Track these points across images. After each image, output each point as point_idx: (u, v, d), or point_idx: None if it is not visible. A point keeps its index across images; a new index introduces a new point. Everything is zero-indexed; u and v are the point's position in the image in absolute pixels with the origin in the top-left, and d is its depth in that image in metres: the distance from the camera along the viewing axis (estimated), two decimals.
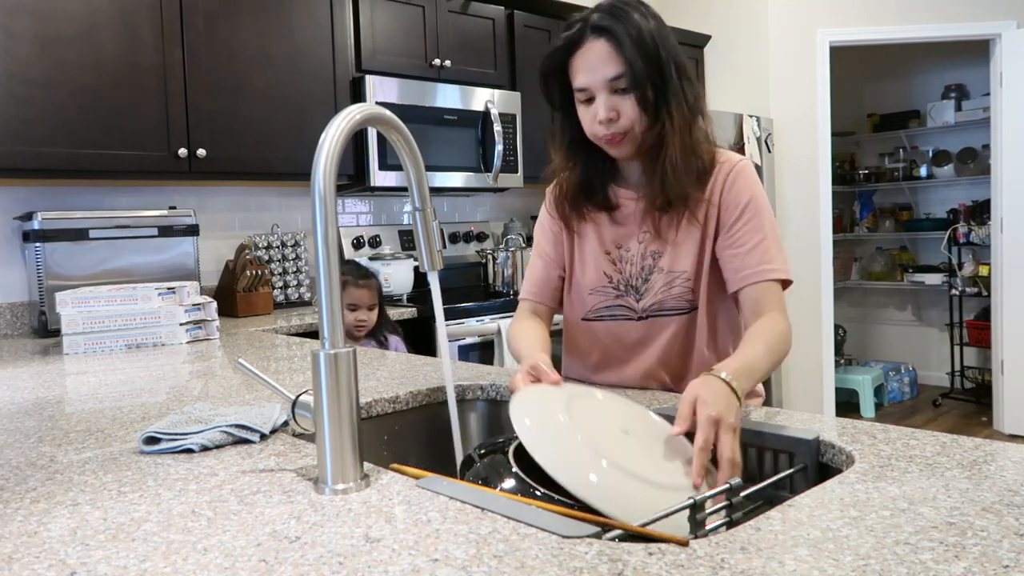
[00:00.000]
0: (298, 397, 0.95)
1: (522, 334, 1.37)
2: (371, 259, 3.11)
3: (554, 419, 0.89)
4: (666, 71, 1.22)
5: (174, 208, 2.69)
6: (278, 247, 3.05)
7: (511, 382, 1.08)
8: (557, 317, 1.51)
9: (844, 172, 5.79)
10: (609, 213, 1.37)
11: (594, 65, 1.22)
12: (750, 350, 1.14)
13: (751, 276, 1.25)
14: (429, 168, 3.13)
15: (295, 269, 3.09)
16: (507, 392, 1.35)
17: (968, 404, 5.05)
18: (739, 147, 3.94)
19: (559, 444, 0.86)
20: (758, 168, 4.06)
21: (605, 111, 1.22)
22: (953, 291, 5.06)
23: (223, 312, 2.79)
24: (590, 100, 1.24)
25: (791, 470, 0.94)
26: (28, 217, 2.45)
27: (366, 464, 0.87)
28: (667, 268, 1.32)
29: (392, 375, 1.49)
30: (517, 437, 0.92)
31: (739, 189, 1.29)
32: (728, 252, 1.28)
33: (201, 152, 2.62)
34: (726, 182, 1.29)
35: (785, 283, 1.28)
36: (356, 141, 3.00)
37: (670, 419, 1.10)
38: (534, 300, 1.45)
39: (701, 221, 1.30)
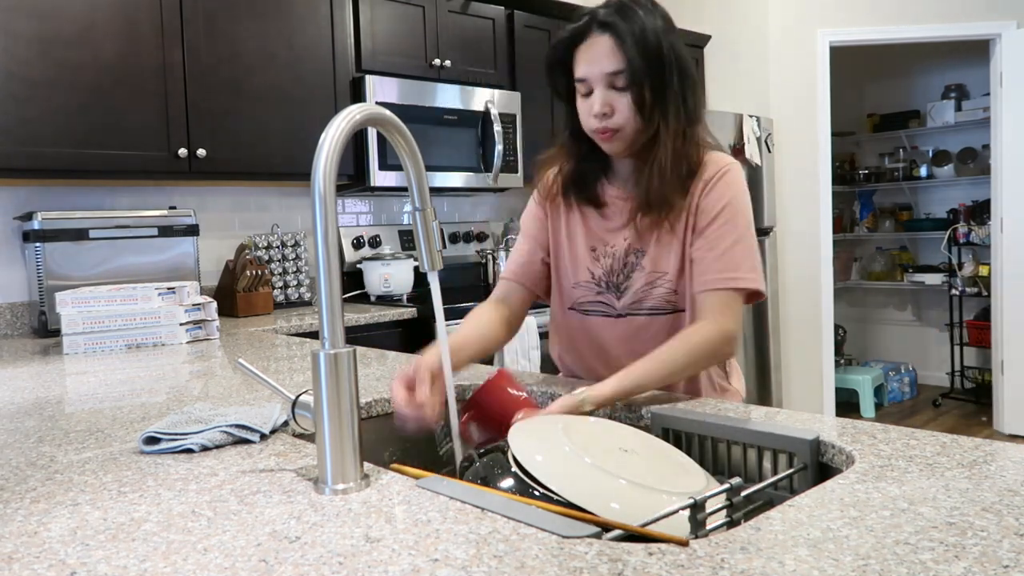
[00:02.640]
0: (298, 397, 0.95)
1: (465, 322, 1.37)
2: (371, 259, 3.12)
3: (561, 451, 0.89)
4: (666, 73, 1.22)
5: (174, 208, 2.69)
6: (278, 247, 3.05)
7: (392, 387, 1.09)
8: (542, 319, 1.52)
9: (844, 172, 5.79)
10: (597, 209, 1.37)
11: (595, 58, 1.23)
12: (637, 370, 1.16)
13: (712, 283, 1.24)
14: (429, 168, 3.13)
15: (295, 269, 3.09)
16: None
17: (968, 404, 5.05)
18: (739, 147, 3.94)
19: (574, 473, 0.85)
20: (758, 168, 4.06)
21: (600, 105, 1.23)
22: (953, 291, 5.06)
23: (223, 312, 2.79)
24: (589, 93, 1.25)
25: (791, 470, 0.94)
26: (28, 217, 2.45)
27: (366, 464, 0.87)
28: (649, 268, 1.32)
29: (392, 375, 1.49)
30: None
31: (719, 193, 1.28)
32: (697, 255, 1.28)
33: (201, 152, 2.62)
34: (707, 186, 1.29)
35: (752, 295, 1.26)
36: (356, 141, 3.00)
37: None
38: (513, 279, 1.44)
39: (684, 226, 1.30)
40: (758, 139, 4.05)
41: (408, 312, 2.81)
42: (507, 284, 1.45)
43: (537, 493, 0.83)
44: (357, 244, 3.32)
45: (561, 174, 1.39)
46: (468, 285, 3.69)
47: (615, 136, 1.25)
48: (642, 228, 1.32)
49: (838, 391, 4.54)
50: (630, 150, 1.28)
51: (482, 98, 3.33)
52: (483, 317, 1.40)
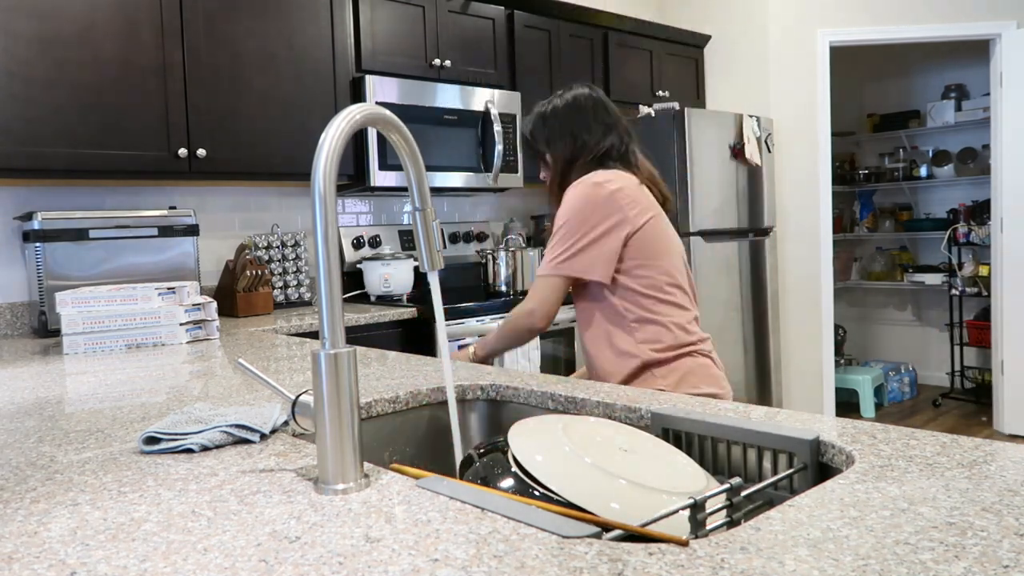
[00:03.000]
0: (298, 397, 0.95)
1: None
2: (371, 259, 3.12)
3: (561, 451, 0.89)
4: (548, 138, 1.79)
5: (174, 208, 2.69)
6: (278, 247, 3.05)
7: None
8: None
9: (844, 172, 5.79)
10: None
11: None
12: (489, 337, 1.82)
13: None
14: (429, 168, 3.13)
15: (295, 269, 3.09)
16: (507, 391, 1.35)
17: (968, 404, 5.05)
18: (739, 147, 3.94)
19: (574, 473, 0.85)
20: (758, 168, 4.07)
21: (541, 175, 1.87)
22: (953, 291, 5.06)
23: (223, 312, 2.79)
24: None
25: (791, 470, 0.94)
26: (28, 217, 2.45)
27: (366, 464, 0.87)
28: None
29: (392, 375, 1.49)
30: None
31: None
32: None
33: (201, 152, 2.62)
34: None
35: (570, 278, 1.70)
36: (356, 141, 3.00)
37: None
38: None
39: None
40: (758, 139, 4.05)
41: (408, 312, 2.81)
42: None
43: (537, 493, 0.83)
44: (357, 244, 3.32)
45: None
46: (468, 285, 3.69)
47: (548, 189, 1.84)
48: None
49: (838, 391, 4.54)
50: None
51: (482, 98, 3.33)
52: None
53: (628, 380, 1.68)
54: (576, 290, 1.73)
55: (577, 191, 1.67)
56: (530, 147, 1.82)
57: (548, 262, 1.69)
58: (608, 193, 1.65)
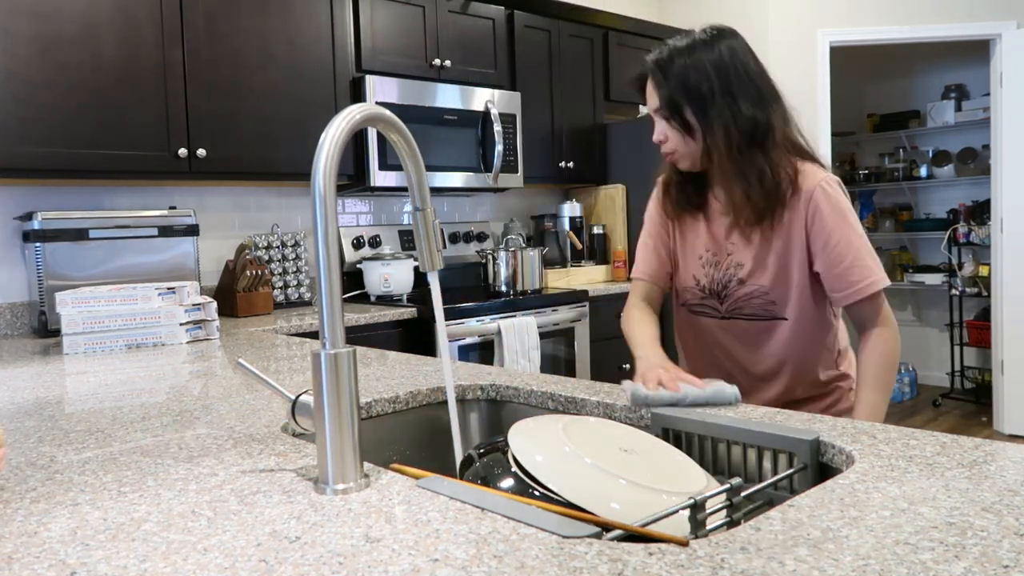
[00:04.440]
0: (298, 397, 0.95)
1: (634, 323, 1.50)
2: (371, 259, 3.12)
3: (561, 451, 0.89)
4: (706, 99, 1.36)
5: (174, 208, 2.69)
6: (278, 247, 3.05)
7: (635, 380, 1.20)
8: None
9: (844, 172, 5.79)
10: (703, 217, 1.51)
11: (647, 97, 1.45)
12: (865, 399, 1.37)
13: (851, 296, 1.38)
14: (429, 168, 3.13)
15: (295, 269, 3.09)
16: (507, 391, 1.35)
17: (968, 404, 5.05)
18: None
19: (574, 473, 0.85)
20: None
21: (656, 135, 1.44)
22: (953, 291, 5.06)
23: (223, 312, 2.79)
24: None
25: (791, 470, 0.94)
26: (28, 217, 2.45)
27: (366, 464, 0.87)
28: (748, 281, 1.46)
29: (392, 375, 1.49)
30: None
31: (823, 217, 1.38)
32: (826, 274, 1.40)
33: (201, 152, 2.62)
34: (808, 211, 1.40)
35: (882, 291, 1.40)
36: (356, 141, 3.00)
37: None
38: (647, 280, 1.57)
39: (784, 241, 1.42)
40: None
41: (408, 312, 2.81)
42: (643, 285, 1.58)
43: (537, 493, 0.83)
44: (357, 244, 3.32)
45: (670, 183, 1.55)
46: (468, 285, 3.69)
47: (675, 157, 1.45)
48: (742, 241, 1.45)
49: None
50: (698, 166, 1.45)
51: (482, 98, 3.33)
52: (641, 313, 1.54)
53: (832, 405, 1.50)
54: (805, 288, 1.43)
55: (833, 195, 1.39)
56: (668, 100, 1.38)
57: (871, 279, 1.36)
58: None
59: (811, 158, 1.46)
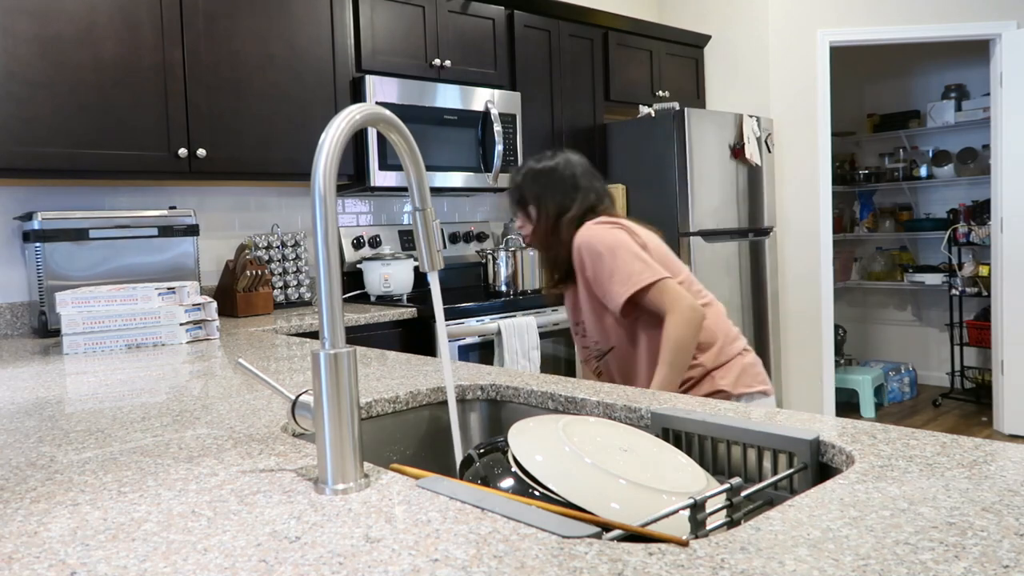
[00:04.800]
0: (298, 397, 0.95)
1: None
2: (371, 259, 3.12)
3: (561, 451, 0.89)
4: (534, 193, 1.86)
5: (174, 208, 2.69)
6: (278, 247, 3.05)
7: None
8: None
9: (844, 172, 5.79)
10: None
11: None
12: (656, 373, 1.68)
13: (627, 292, 1.69)
14: (429, 168, 3.13)
15: (295, 269, 3.09)
16: (507, 391, 1.35)
17: (968, 404, 5.05)
18: (739, 147, 3.94)
19: (574, 473, 0.85)
20: (758, 168, 4.07)
21: (517, 225, 1.95)
22: (953, 291, 5.06)
23: (223, 312, 2.79)
24: None
25: (791, 470, 0.94)
26: (28, 217, 2.45)
27: (366, 464, 0.87)
28: (589, 337, 1.88)
29: (392, 375, 1.49)
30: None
31: (579, 259, 1.77)
32: (601, 299, 1.76)
33: (201, 152, 2.62)
34: (576, 261, 1.78)
35: (651, 285, 1.68)
36: (356, 141, 3.00)
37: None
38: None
39: (579, 286, 1.82)
40: (758, 139, 4.05)
41: (408, 312, 2.81)
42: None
43: (537, 493, 0.83)
44: (357, 244, 3.32)
45: None
46: (468, 285, 3.69)
47: (526, 239, 1.94)
48: (573, 303, 1.90)
49: (838, 391, 4.54)
50: (531, 242, 1.93)
51: (482, 98, 3.33)
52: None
53: (689, 390, 1.73)
54: (614, 313, 1.74)
55: (590, 232, 1.74)
56: (519, 200, 1.89)
57: (632, 277, 1.68)
58: (610, 226, 1.75)
59: (609, 215, 1.82)
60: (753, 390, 1.72)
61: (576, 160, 1.89)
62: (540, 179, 1.86)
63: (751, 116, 4.02)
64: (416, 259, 3.15)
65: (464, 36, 3.36)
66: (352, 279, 3.26)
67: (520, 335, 2.95)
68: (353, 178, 3.03)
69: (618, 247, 1.70)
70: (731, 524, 0.82)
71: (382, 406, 1.30)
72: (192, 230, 2.64)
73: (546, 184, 1.85)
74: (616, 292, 1.68)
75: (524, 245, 2.06)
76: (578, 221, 1.80)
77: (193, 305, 2.15)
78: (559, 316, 3.19)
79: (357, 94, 3.00)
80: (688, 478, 0.89)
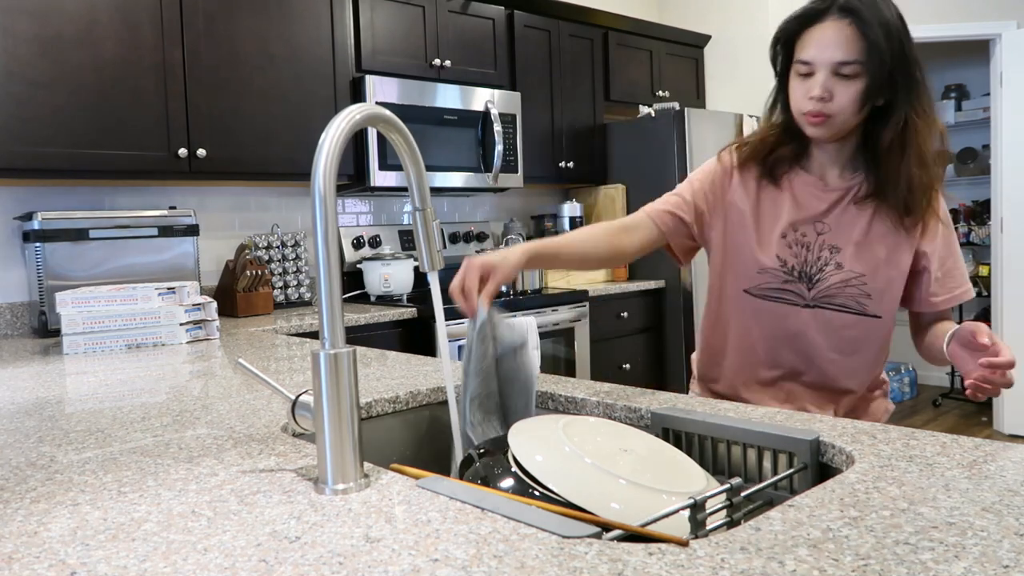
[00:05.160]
0: (298, 397, 0.95)
1: (571, 233, 1.37)
2: (371, 259, 3.12)
3: (561, 451, 0.89)
4: (912, 71, 1.21)
5: (174, 208, 2.69)
6: (278, 247, 3.05)
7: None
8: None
9: None
10: (787, 192, 1.36)
11: (828, 43, 1.20)
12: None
13: (950, 300, 1.36)
14: (429, 168, 3.13)
15: (295, 269, 3.09)
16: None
17: (968, 404, 5.05)
18: None
19: (574, 473, 0.85)
20: None
21: (820, 89, 1.22)
22: None
23: (223, 312, 2.79)
24: (810, 75, 1.23)
25: (791, 470, 0.94)
26: (28, 217, 2.45)
27: (366, 464, 0.87)
28: (846, 266, 1.31)
29: (392, 375, 1.49)
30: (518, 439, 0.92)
31: (942, 217, 1.32)
32: (933, 274, 1.34)
33: (201, 152, 2.62)
34: (930, 211, 1.31)
35: None
36: (356, 141, 3.00)
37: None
38: (651, 217, 1.41)
39: (906, 235, 1.31)
40: None
41: (408, 312, 2.81)
42: (642, 217, 1.41)
43: (537, 493, 0.83)
44: (357, 244, 3.32)
45: (756, 147, 1.38)
46: None
47: (826, 122, 1.24)
48: (844, 223, 1.32)
49: None
50: (835, 137, 1.28)
51: (482, 98, 3.33)
52: (592, 229, 1.38)
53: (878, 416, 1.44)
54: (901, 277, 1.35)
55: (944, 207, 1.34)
56: (889, 55, 1.18)
57: (965, 286, 1.37)
58: None
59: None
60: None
61: None
62: (920, 63, 1.23)
63: (751, 116, 4.02)
64: (416, 259, 3.15)
65: (464, 36, 3.36)
66: (352, 279, 3.26)
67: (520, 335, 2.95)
68: (353, 178, 3.03)
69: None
70: (731, 524, 0.82)
71: (382, 406, 1.30)
72: (192, 230, 2.64)
73: (921, 70, 1.24)
74: (954, 287, 1.37)
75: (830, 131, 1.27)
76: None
77: (193, 305, 2.15)
78: (559, 316, 3.19)
79: (357, 94, 3.00)
80: (688, 478, 0.89)
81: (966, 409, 4.98)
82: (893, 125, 1.23)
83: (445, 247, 3.63)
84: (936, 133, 1.26)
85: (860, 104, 1.22)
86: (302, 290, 3.10)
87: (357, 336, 2.66)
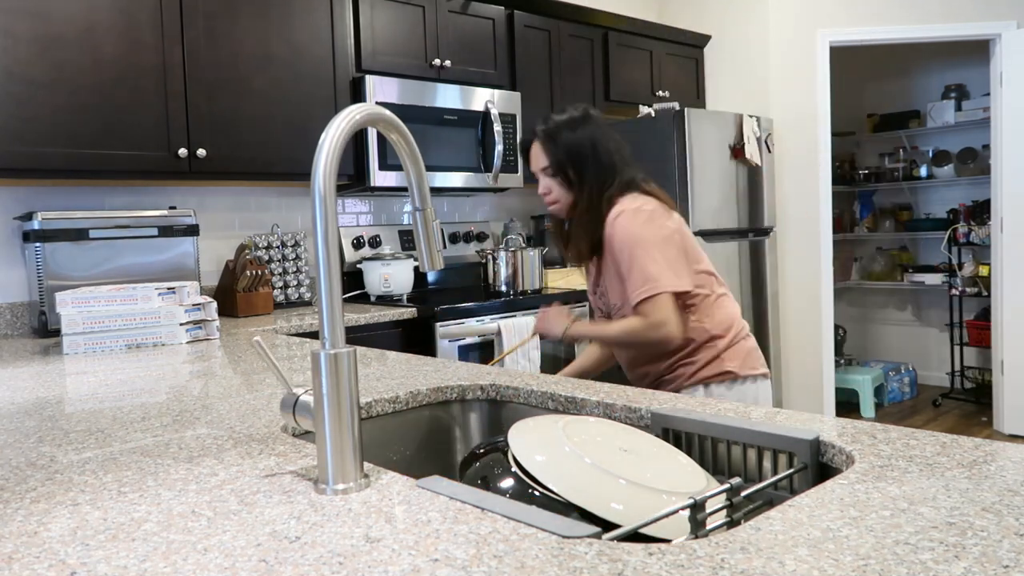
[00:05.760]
0: (298, 398, 0.95)
1: None
2: (371, 259, 3.12)
3: (561, 451, 0.89)
4: (577, 163, 1.76)
5: (174, 208, 2.69)
6: (278, 247, 3.05)
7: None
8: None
9: (844, 172, 5.79)
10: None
11: (533, 159, 1.84)
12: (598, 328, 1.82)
13: (634, 298, 1.70)
14: (429, 168, 3.13)
15: (295, 269, 3.09)
16: (507, 391, 1.35)
17: (968, 404, 5.05)
18: (739, 147, 3.94)
19: (574, 473, 0.86)
20: (758, 168, 4.07)
21: (541, 189, 1.83)
22: (953, 291, 5.06)
23: (223, 312, 2.79)
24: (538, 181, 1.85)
25: (791, 470, 0.94)
26: (28, 217, 2.45)
27: (366, 464, 0.87)
28: (610, 301, 1.83)
29: (392, 375, 1.49)
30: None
31: (609, 235, 1.73)
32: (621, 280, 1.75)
33: (201, 152, 2.62)
34: (607, 233, 1.73)
35: (660, 294, 1.67)
36: (356, 141, 3.00)
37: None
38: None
39: (606, 258, 1.77)
40: (758, 139, 4.05)
41: (408, 312, 2.81)
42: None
43: (537, 493, 0.83)
44: (357, 244, 3.32)
45: (560, 234, 1.95)
46: (468, 285, 3.69)
47: (557, 208, 1.83)
48: (596, 270, 1.85)
49: (838, 391, 4.54)
50: (569, 214, 1.83)
51: (482, 98, 3.33)
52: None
53: (701, 369, 1.75)
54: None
55: (624, 220, 1.71)
56: (558, 166, 1.77)
57: (646, 283, 1.67)
58: (644, 215, 1.72)
59: (641, 190, 1.77)
60: (756, 372, 1.80)
61: (605, 124, 1.82)
62: (582, 148, 1.75)
63: (751, 116, 4.02)
64: (416, 259, 3.15)
65: (464, 36, 3.36)
66: (352, 279, 3.26)
67: (520, 335, 2.95)
68: (353, 178, 3.03)
69: (644, 242, 1.69)
70: (731, 524, 0.82)
71: (382, 406, 1.30)
72: (192, 230, 2.64)
73: (588, 156, 1.75)
74: (630, 291, 1.71)
75: (549, 217, 1.90)
76: (615, 198, 1.75)
77: (193, 305, 2.15)
78: None
79: (357, 94, 3.00)
80: (688, 478, 0.89)
81: (966, 409, 4.98)
82: (578, 200, 1.80)
83: (445, 247, 3.63)
84: (602, 200, 1.77)
85: (563, 191, 1.80)
86: (302, 290, 3.10)
87: (357, 336, 2.66)
